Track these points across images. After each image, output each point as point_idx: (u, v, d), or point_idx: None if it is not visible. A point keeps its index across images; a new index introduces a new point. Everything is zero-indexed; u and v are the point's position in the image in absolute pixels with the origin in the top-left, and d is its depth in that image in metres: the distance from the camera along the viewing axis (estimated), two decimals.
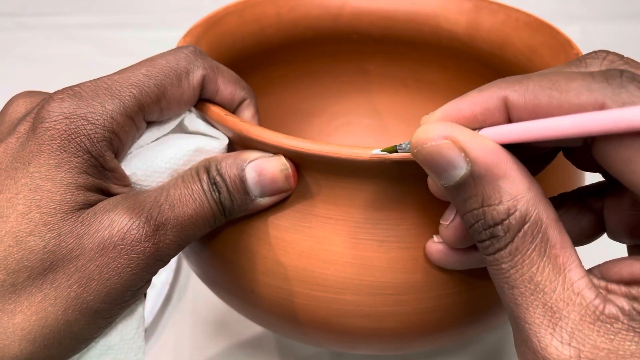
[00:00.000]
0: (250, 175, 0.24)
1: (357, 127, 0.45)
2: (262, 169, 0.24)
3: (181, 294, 0.44)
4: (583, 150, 0.20)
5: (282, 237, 0.25)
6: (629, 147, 0.17)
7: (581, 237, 0.23)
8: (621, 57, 0.19)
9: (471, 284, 0.26)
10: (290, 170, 0.24)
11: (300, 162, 0.24)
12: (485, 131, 0.19)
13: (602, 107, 0.17)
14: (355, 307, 0.26)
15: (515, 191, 0.18)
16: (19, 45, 0.75)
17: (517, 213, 0.18)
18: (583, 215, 0.23)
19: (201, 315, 0.42)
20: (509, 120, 0.19)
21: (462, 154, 0.18)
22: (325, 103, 0.45)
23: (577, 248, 0.19)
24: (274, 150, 0.24)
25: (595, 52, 0.20)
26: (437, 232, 0.25)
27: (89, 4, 0.82)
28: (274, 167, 0.24)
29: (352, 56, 0.43)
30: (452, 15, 0.38)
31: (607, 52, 0.19)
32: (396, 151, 0.22)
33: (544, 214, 0.18)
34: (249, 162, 0.24)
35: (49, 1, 0.82)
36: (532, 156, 0.21)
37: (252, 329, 0.41)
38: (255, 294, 0.27)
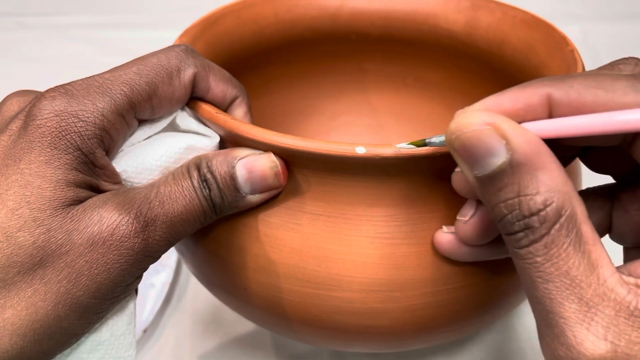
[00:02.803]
0: (241, 172, 0.24)
1: (356, 127, 0.45)
2: (252, 166, 0.24)
3: (181, 294, 0.44)
4: (607, 151, 0.20)
5: (273, 234, 0.26)
6: None
7: None
8: None
9: (465, 281, 0.26)
10: (280, 167, 0.24)
11: (290, 159, 0.24)
12: (527, 125, 0.19)
13: None
14: (346, 304, 0.26)
15: (554, 184, 0.18)
16: (19, 45, 0.76)
17: (555, 205, 0.18)
18: (592, 215, 0.23)
19: (201, 315, 0.43)
20: (551, 116, 0.19)
21: (504, 142, 0.18)
22: (324, 103, 0.45)
23: None
24: (264, 147, 0.24)
25: (625, 58, 0.20)
26: (428, 228, 0.25)
27: (89, 4, 0.83)
28: (264, 165, 0.24)
29: (350, 56, 0.43)
30: (450, 14, 0.38)
31: (637, 59, 0.20)
32: (425, 145, 0.22)
33: (579, 209, 0.18)
34: (239, 160, 0.24)
35: (49, 1, 0.83)
36: (559, 156, 0.21)
37: (251, 328, 0.41)
38: (248, 292, 0.27)
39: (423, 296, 0.26)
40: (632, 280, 0.18)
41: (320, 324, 0.26)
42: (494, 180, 0.19)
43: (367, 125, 0.45)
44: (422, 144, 0.22)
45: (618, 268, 0.19)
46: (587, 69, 0.29)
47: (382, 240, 0.25)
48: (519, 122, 0.19)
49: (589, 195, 0.24)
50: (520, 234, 0.19)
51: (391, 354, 0.39)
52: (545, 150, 0.18)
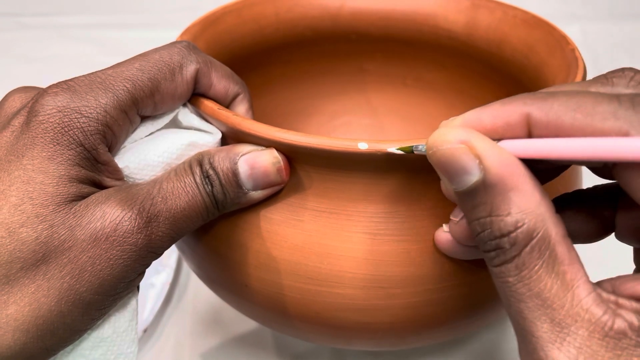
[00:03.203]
0: (243, 168, 0.24)
1: (356, 127, 0.45)
2: (254, 162, 0.24)
3: (181, 294, 0.44)
4: (602, 168, 0.20)
5: (274, 230, 0.26)
6: None
7: (590, 237, 0.23)
8: None
9: (466, 278, 0.26)
10: (282, 163, 0.24)
11: (292, 155, 0.24)
12: (505, 143, 0.19)
13: (626, 135, 0.17)
14: (348, 300, 0.26)
15: (525, 205, 0.18)
16: (19, 45, 0.76)
17: (525, 227, 0.18)
18: (594, 216, 0.23)
19: (201, 315, 0.42)
20: (529, 135, 0.19)
21: (477, 161, 0.18)
22: (324, 102, 0.45)
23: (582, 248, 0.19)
24: (266, 143, 0.24)
25: (622, 70, 0.20)
26: (429, 225, 0.25)
27: (89, 4, 0.83)
28: (266, 160, 0.24)
29: (351, 56, 0.43)
30: (450, 14, 0.39)
31: (635, 72, 0.19)
32: (412, 152, 0.22)
33: (553, 230, 0.18)
34: (242, 156, 0.24)
35: (49, 1, 0.83)
36: (545, 168, 0.21)
37: (252, 328, 0.41)
38: (249, 288, 0.27)
39: (424, 293, 0.26)
40: (612, 297, 0.18)
41: (321, 320, 0.26)
42: (469, 197, 0.19)
43: (367, 125, 0.46)
44: (410, 150, 0.22)
45: (601, 283, 0.19)
46: (588, 68, 0.29)
47: (384, 237, 0.25)
48: (498, 139, 0.19)
49: (593, 194, 0.23)
50: (493, 253, 0.19)
51: (391, 353, 0.39)
52: (520, 171, 0.18)
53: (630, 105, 0.17)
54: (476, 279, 0.26)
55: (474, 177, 0.18)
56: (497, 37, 0.36)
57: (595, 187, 0.24)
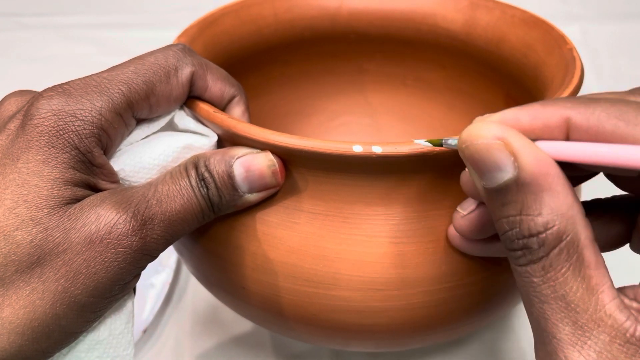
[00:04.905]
0: (238, 171, 0.24)
1: (356, 127, 0.45)
2: (249, 165, 0.24)
3: (181, 294, 0.45)
4: (634, 179, 0.19)
5: (270, 233, 0.26)
6: None
7: (606, 246, 0.23)
8: None
9: (462, 280, 0.26)
10: (277, 166, 0.24)
11: (287, 158, 0.24)
12: (542, 143, 0.18)
13: None
14: (345, 302, 0.26)
15: (557, 206, 0.18)
16: (19, 45, 0.76)
17: (555, 229, 0.18)
18: (614, 224, 0.23)
19: (201, 315, 0.43)
20: (567, 139, 0.18)
21: (512, 158, 0.18)
22: (323, 102, 0.45)
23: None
24: (261, 146, 0.24)
25: None
26: (424, 227, 0.25)
27: (89, 4, 0.83)
28: (262, 163, 0.24)
29: (350, 56, 0.43)
30: (449, 13, 0.39)
31: None
32: (441, 145, 0.21)
33: (583, 234, 0.18)
34: (237, 158, 0.24)
35: (49, 1, 0.83)
36: (576, 175, 0.21)
37: (250, 328, 0.41)
38: (246, 290, 0.27)
39: (421, 295, 0.26)
40: (635, 304, 0.18)
41: (318, 322, 0.26)
42: (500, 194, 0.18)
43: (367, 125, 0.45)
44: (439, 143, 0.21)
45: (623, 289, 0.19)
46: (587, 70, 0.29)
47: (380, 239, 0.25)
48: (535, 140, 0.19)
49: (610, 203, 0.23)
50: (519, 252, 0.19)
51: (390, 353, 0.39)
52: (555, 172, 0.18)
53: None
54: (474, 280, 0.26)
55: (508, 174, 0.18)
56: (496, 36, 0.36)
57: (613, 198, 0.24)
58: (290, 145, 0.23)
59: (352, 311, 0.26)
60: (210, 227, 0.27)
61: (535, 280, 0.18)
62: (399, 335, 0.27)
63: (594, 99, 0.18)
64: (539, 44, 0.33)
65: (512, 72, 0.36)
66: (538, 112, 0.19)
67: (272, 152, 0.24)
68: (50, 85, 0.23)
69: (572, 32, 0.69)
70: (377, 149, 0.22)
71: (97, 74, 0.24)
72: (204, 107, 0.26)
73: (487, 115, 0.20)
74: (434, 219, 0.25)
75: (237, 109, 0.28)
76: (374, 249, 0.25)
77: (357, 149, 0.22)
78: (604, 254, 0.23)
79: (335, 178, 0.24)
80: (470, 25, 0.38)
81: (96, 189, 0.23)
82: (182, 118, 0.26)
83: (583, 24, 0.72)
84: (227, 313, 0.42)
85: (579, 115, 0.18)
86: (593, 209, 0.23)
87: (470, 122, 0.19)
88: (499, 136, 0.18)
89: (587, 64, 0.29)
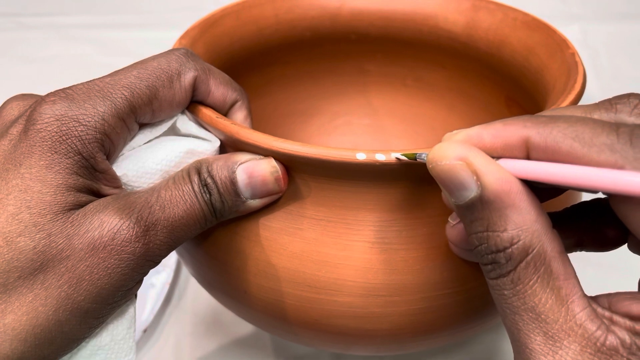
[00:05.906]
0: (241, 177, 0.24)
1: (357, 127, 0.45)
2: (252, 171, 0.24)
3: (181, 294, 0.45)
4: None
5: (273, 238, 0.26)
6: None
7: (604, 247, 0.23)
8: None
9: (464, 286, 0.26)
10: (280, 172, 0.24)
11: (290, 164, 0.24)
12: (504, 162, 0.19)
13: (621, 168, 0.17)
14: (347, 308, 0.26)
15: (522, 222, 0.18)
16: (19, 45, 0.76)
17: (521, 243, 0.18)
18: (610, 226, 0.23)
19: (201, 316, 0.43)
20: (528, 158, 0.19)
21: (474, 177, 0.18)
22: (324, 103, 0.45)
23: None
24: (264, 152, 0.24)
25: (628, 96, 0.20)
26: (426, 233, 0.25)
27: (89, 4, 0.82)
28: (264, 170, 0.24)
29: (351, 56, 0.43)
30: (450, 15, 0.38)
31: (639, 99, 0.19)
32: (415, 159, 0.22)
33: (549, 246, 0.18)
34: (240, 164, 0.24)
35: (49, 1, 0.82)
36: (547, 186, 0.21)
37: (251, 330, 0.41)
38: (248, 295, 0.27)
39: (422, 301, 0.26)
40: (607, 313, 0.18)
41: (320, 327, 0.27)
42: (468, 211, 0.19)
43: (368, 125, 0.45)
44: (414, 157, 0.22)
45: (597, 298, 0.19)
46: (587, 69, 0.29)
47: (382, 245, 0.25)
48: (497, 158, 0.19)
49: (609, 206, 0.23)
50: (489, 267, 0.19)
51: (390, 356, 0.39)
52: (517, 189, 0.18)
53: (627, 139, 0.17)
54: (474, 285, 0.26)
55: (472, 192, 0.19)
56: (497, 38, 0.36)
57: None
58: (293, 152, 0.23)
59: (354, 317, 0.26)
60: (212, 232, 0.27)
61: (505, 292, 0.19)
62: (400, 340, 0.27)
63: (554, 118, 0.18)
64: (540, 47, 0.33)
65: (513, 75, 0.36)
66: (499, 131, 0.19)
67: (275, 159, 0.24)
68: (50, 86, 0.23)
69: (572, 32, 0.69)
70: (381, 157, 0.22)
71: (100, 78, 0.23)
72: (206, 112, 0.26)
73: (455, 131, 0.20)
74: (435, 226, 0.25)
75: (240, 114, 0.28)
76: (376, 255, 0.25)
77: (361, 157, 0.22)
78: (604, 254, 0.24)
79: (338, 184, 0.24)
80: (471, 27, 0.38)
81: (99, 195, 0.23)
82: (184, 122, 0.26)
83: (583, 24, 0.72)
84: (228, 314, 0.42)
85: (537, 135, 0.18)
86: (590, 211, 0.23)
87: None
88: (461, 156, 0.19)
89: (587, 64, 0.29)
